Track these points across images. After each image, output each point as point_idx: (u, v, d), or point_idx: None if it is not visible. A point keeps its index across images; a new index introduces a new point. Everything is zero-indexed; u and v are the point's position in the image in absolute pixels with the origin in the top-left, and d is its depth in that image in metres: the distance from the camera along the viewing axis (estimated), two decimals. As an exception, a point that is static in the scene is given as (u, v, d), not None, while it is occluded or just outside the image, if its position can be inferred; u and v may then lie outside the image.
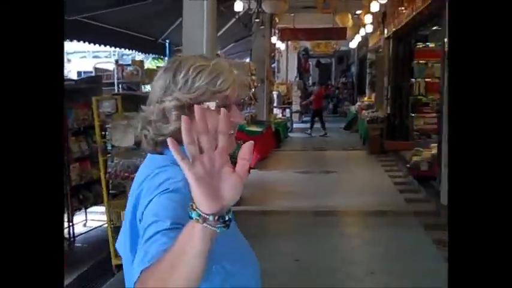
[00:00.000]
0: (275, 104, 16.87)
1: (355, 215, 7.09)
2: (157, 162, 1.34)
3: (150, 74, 8.57)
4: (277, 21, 14.21)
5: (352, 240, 6.03)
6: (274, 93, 16.67)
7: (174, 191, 1.21)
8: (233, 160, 0.96)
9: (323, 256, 5.36)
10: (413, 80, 11.74)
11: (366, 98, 17.54)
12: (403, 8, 10.19)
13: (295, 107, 20.53)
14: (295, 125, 17.96)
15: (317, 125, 16.50)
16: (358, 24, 14.35)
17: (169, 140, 0.90)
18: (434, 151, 8.32)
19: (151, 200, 1.21)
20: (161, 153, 1.37)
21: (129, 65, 9.49)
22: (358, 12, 13.58)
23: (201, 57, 1.37)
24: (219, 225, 0.92)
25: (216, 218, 0.92)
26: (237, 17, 11.90)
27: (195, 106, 0.94)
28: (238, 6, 9.61)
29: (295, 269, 5.02)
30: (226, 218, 0.93)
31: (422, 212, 6.87)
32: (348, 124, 17.51)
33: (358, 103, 17.47)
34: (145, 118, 1.36)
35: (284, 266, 5.02)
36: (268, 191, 8.64)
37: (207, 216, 0.92)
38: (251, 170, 9.41)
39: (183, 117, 0.90)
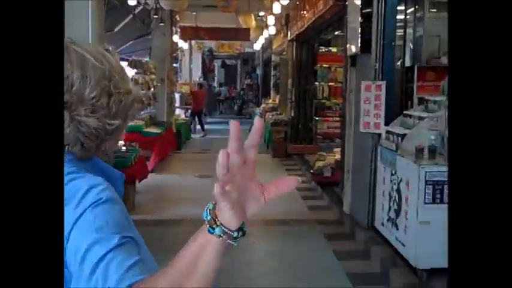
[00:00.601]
0: (177, 105, 16.27)
1: (256, 225, 6.68)
2: None
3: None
4: (178, 19, 13.63)
5: (252, 254, 5.64)
6: (177, 94, 16.08)
7: (109, 201, 1.06)
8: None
9: (219, 272, 4.92)
10: (317, 83, 11.67)
11: (270, 100, 17.38)
12: (305, 11, 10.03)
13: (199, 108, 20.12)
14: (198, 126, 17.43)
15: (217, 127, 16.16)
16: (262, 25, 14.13)
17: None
18: (338, 156, 8.19)
19: (81, 215, 1.02)
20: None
21: None
22: (261, 13, 13.33)
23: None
24: (238, 239, 0.89)
25: (240, 233, 0.88)
26: (134, 13, 11.21)
27: (233, 122, 0.86)
28: (132, 0, 8.94)
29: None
30: (245, 229, 0.89)
31: (324, 220, 6.65)
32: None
33: (263, 105, 17.27)
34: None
35: None
36: (165, 197, 8.10)
37: (232, 233, 0.88)
38: (149, 174, 8.85)
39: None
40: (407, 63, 6.21)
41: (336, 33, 10.88)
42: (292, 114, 12.27)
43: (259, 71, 25.04)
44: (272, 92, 18.60)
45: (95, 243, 0.98)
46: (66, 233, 1.00)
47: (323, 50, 11.76)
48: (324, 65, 11.63)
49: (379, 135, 5.60)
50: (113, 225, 1.01)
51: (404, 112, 5.43)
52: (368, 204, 5.65)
